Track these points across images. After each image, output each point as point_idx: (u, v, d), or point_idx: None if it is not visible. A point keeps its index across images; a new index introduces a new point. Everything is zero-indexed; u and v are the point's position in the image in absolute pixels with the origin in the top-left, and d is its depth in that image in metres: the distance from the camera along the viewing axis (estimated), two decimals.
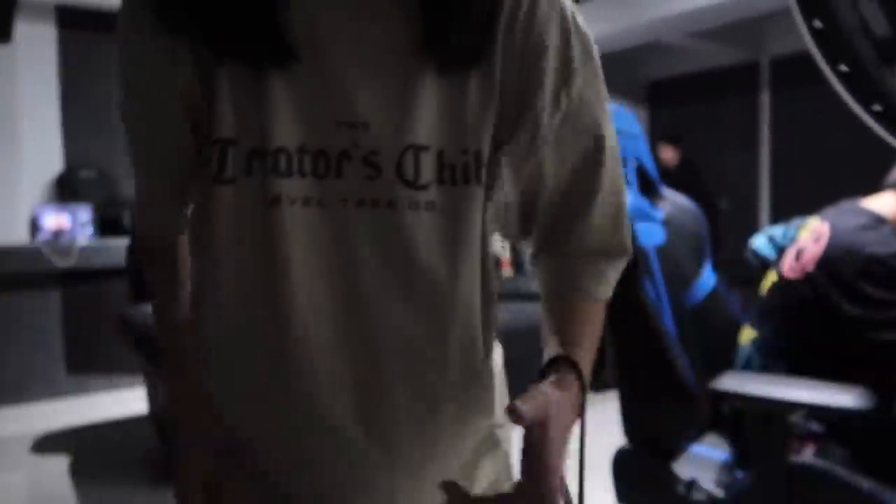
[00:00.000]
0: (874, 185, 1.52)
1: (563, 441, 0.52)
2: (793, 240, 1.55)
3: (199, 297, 0.62)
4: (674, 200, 1.66)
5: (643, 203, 1.55)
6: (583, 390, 0.57)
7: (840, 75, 0.99)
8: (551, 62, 0.59)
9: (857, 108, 1.00)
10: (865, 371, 1.36)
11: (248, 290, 0.57)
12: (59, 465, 2.77)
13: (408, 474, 0.60)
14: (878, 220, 1.41)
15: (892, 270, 1.31)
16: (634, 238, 1.36)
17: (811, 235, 1.46)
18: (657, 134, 6.03)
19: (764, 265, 1.65)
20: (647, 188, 1.62)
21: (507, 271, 4.49)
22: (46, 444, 3.05)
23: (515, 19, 0.57)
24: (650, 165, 1.62)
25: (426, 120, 0.56)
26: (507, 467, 0.70)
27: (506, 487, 0.64)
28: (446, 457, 0.62)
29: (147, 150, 0.63)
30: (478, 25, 0.56)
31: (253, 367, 0.59)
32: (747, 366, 1.52)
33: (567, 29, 0.59)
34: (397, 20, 0.56)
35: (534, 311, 3.63)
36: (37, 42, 3.74)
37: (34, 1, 3.66)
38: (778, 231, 1.66)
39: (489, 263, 0.62)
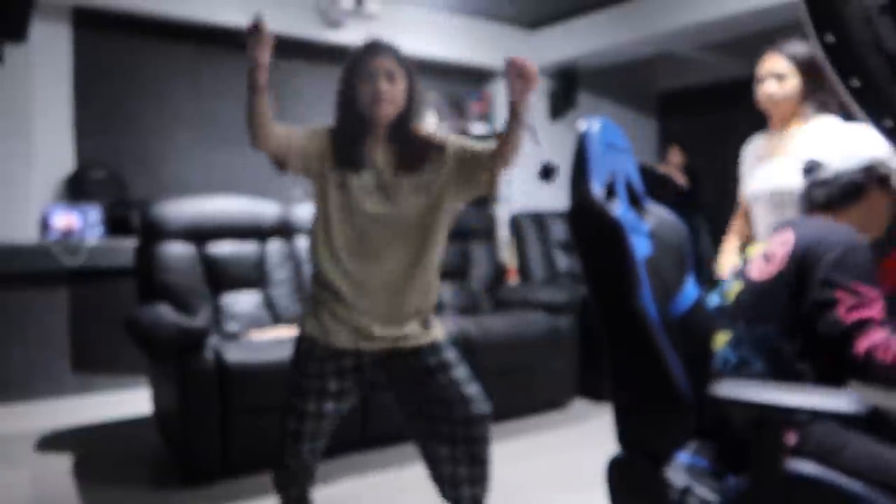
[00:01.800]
0: None
1: (526, 108, 1.57)
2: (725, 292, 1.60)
3: (317, 226, 1.69)
4: (658, 213, 1.68)
5: (630, 216, 1.56)
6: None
7: (852, 90, 0.99)
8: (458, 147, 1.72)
9: (868, 123, 1.00)
10: (829, 353, 1.40)
11: (341, 226, 1.66)
12: (62, 464, 2.78)
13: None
14: (832, 224, 1.48)
15: (863, 253, 1.38)
16: (630, 250, 1.38)
17: (777, 242, 1.50)
18: (667, 143, 6.03)
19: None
20: (634, 202, 1.63)
21: (513, 280, 4.49)
22: (50, 442, 3.06)
23: (447, 146, 1.70)
24: (636, 180, 1.63)
25: (405, 186, 1.68)
26: (432, 326, 1.76)
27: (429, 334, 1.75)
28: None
29: (292, 133, 1.66)
30: (418, 161, 1.68)
31: (346, 244, 1.68)
32: (724, 366, 1.54)
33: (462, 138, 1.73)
34: (388, 154, 1.69)
35: (538, 318, 3.64)
36: (52, 42, 3.77)
37: (51, 2, 3.69)
38: (715, 297, 1.73)
39: (440, 241, 1.72)
